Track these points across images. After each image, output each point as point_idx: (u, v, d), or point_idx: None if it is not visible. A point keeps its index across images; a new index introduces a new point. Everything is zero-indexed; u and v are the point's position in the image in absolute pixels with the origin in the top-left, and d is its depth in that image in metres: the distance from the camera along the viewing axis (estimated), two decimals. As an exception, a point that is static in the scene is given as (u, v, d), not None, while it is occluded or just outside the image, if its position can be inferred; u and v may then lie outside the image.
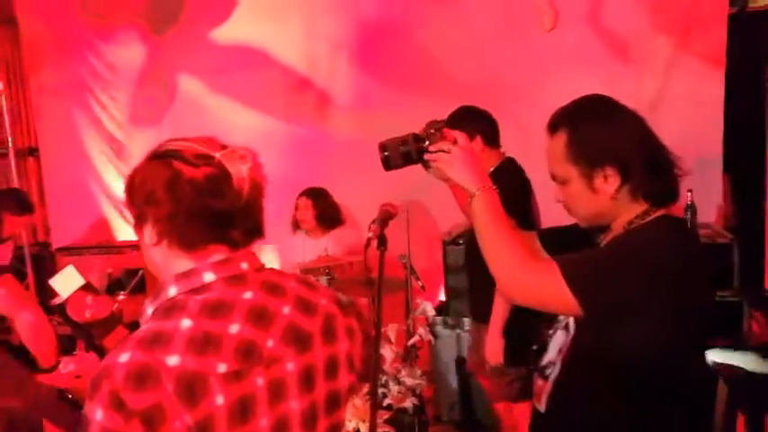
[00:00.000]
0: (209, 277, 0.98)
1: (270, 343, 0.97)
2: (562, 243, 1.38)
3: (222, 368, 0.91)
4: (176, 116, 4.30)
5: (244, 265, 1.01)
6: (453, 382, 3.23)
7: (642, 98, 3.17)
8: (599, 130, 1.26)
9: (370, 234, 1.38)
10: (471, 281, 2.67)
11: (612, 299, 1.16)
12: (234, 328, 0.95)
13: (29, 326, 2.08)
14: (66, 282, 1.98)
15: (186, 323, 0.93)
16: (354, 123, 4.00)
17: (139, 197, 0.99)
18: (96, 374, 0.89)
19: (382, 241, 1.38)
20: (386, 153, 1.36)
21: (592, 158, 1.24)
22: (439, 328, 3.20)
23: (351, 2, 3.96)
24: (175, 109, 4.31)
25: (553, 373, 1.32)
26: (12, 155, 4.86)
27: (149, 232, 0.99)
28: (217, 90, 4.19)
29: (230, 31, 4.13)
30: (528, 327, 1.62)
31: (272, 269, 1.08)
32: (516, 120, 3.43)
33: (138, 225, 1.01)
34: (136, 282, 3.85)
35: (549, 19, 3.54)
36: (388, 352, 2.97)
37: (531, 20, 3.57)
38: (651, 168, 1.23)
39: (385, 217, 1.44)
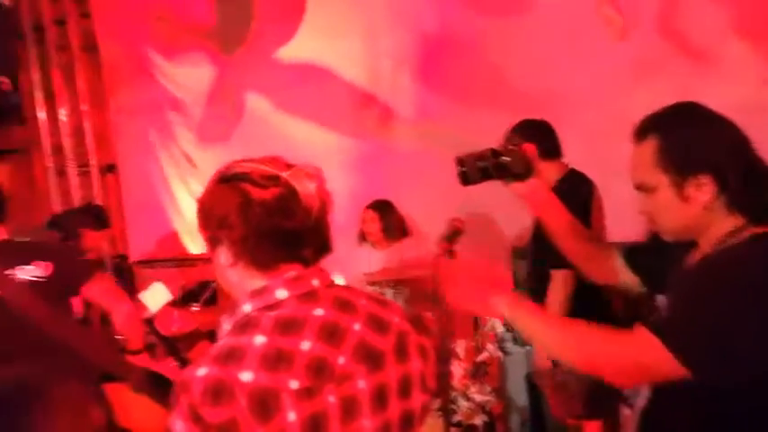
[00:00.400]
0: (281, 294, 1.00)
1: (341, 360, 0.98)
2: (649, 262, 1.33)
3: (294, 384, 0.92)
4: (244, 133, 4.43)
5: (315, 282, 1.03)
6: (524, 399, 3.17)
7: (727, 108, 3.01)
8: (693, 136, 1.19)
9: (439, 250, 1.39)
10: (534, 290, 2.63)
11: (723, 352, 1.07)
12: (305, 345, 0.96)
13: (126, 316, 2.20)
14: (155, 297, 2.09)
15: (260, 339, 0.94)
16: (418, 136, 4.02)
17: (212, 221, 1.01)
18: (176, 387, 0.92)
19: (451, 257, 1.38)
20: (463, 168, 1.36)
21: (684, 165, 1.17)
22: (508, 345, 3.15)
23: (413, 17, 3.98)
24: (243, 126, 4.45)
25: (640, 401, 1.27)
26: (94, 172, 5.17)
27: (224, 254, 1.02)
28: (282, 107, 4.30)
29: (295, 50, 4.23)
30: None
31: (342, 286, 1.09)
32: (583, 131, 3.36)
33: (212, 247, 1.04)
34: (208, 294, 3.99)
35: (617, 28, 3.45)
36: (456, 368, 2.97)
37: (598, 29, 3.49)
38: (750, 179, 1.15)
39: (453, 232, 1.44)
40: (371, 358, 1.01)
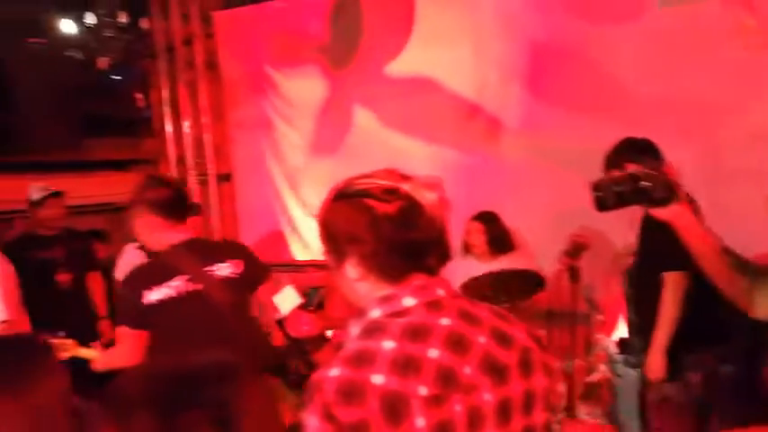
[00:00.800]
0: (408, 302, 1.02)
1: (467, 370, 0.98)
2: None
3: (423, 391, 0.93)
4: (351, 146, 4.55)
5: (440, 292, 1.04)
6: (635, 423, 3.00)
7: None
8: None
9: (562, 265, 1.36)
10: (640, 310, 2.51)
11: None
12: (433, 353, 0.97)
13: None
14: (286, 300, 2.20)
15: (389, 344, 0.97)
16: (525, 148, 3.95)
17: (339, 238, 1.05)
18: (310, 386, 0.96)
19: (574, 274, 1.34)
20: (599, 193, 1.32)
21: None
22: (620, 367, 3.01)
23: (522, 26, 3.94)
24: (351, 139, 4.57)
25: None
26: (211, 180, 5.52)
27: (352, 269, 1.05)
28: (389, 120, 4.38)
29: (403, 63, 4.30)
30: (695, 342, 1.51)
31: (465, 298, 1.09)
32: (709, 143, 3.17)
33: (337, 262, 1.07)
34: (317, 300, 4.12)
35: (754, 36, 3.21)
36: (563, 389, 2.88)
37: (728, 35, 3.27)
38: None
39: (577, 248, 1.41)
40: (496, 371, 1.01)
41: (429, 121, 4.21)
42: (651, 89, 3.48)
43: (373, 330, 1.00)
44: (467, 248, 3.63)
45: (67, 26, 4.09)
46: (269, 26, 4.84)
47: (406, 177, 1.04)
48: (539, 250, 3.70)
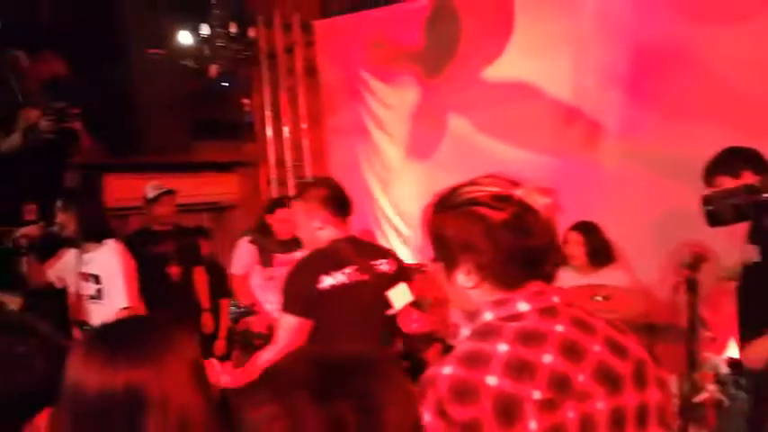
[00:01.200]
0: (523, 307, 1.02)
1: (581, 378, 0.97)
2: None
3: (537, 395, 0.94)
4: (445, 152, 4.58)
5: (555, 299, 1.04)
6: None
7: None
8: None
9: (679, 277, 1.31)
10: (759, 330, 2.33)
11: None
12: (547, 358, 0.97)
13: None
14: (399, 296, 2.28)
15: (503, 347, 0.97)
16: (625, 154, 3.82)
17: (453, 247, 1.04)
18: (424, 381, 0.98)
19: (693, 286, 1.30)
20: (710, 207, 1.26)
21: None
22: (731, 388, 2.82)
23: (625, 28, 3.82)
24: (445, 145, 4.60)
25: None
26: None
27: (465, 276, 1.04)
28: (484, 126, 4.37)
29: (500, 69, 4.28)
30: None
31: (580, 307, 1.08)
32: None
33: (449, 269, 1.07)
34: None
35: None
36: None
37: None
38: None
39: (697, 260, 1.36)
40: (610, 381, 1.00)
41: (526, 127, 4.16)
42: (764, 93, 3.27)
43: (487, 333, 1.01)
44: (563, 260, 3.53)
45: (184, 37, 4.41)
46: (366, 34, 4.97)
47: (515, 183, 1.05)
48: (638, 262, 3.56)
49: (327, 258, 2.28)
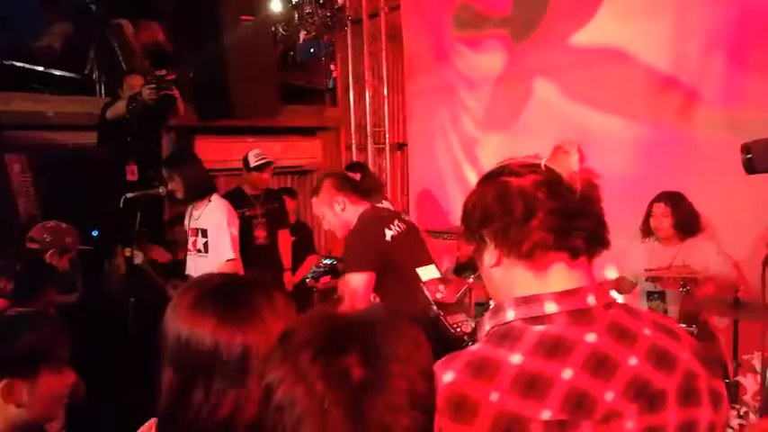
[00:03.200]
0: (551, 308, 0.91)
1: (609, 395, 0.86)
2: None
3: (546, 415, 0.84)
4: (530, 118, 4.49)
5: (590, 300, 0.92)
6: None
7: None
8: None
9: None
10: None
11: None
12: (567, 374, 0.86)
13: None
14: (426, 273, 2.60)
15: (516, 358, 0.88)
16: (724, 125, 3.61)
17: (474, 219, 0.97)
18: None
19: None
20: (749, 155, 1.23)
21: None
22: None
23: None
24: (529, 111, 4.51)
25: None
26: (387, 149, 5.80)
27: (489, 253, 0.96)
28: (572, 93, 4.24)
29: (591, 34, 4.12)
30: None
31: (624, 307, 0.96)
32: None
33: (479, 250, 0.99)
34: (483, 269, 4.20)
35: None
36: (750, 382, 2.70)
37: None
38: None
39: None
40: (647, 397, 0.89)
41: (617, 94, 4.00)
42: None
43: (504, 336, 0.91)
44: (648, 231, 3.45)
45: (275, 4, 4.51)
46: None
47: (561, 147, 0.96)
48: (733, 235, 3.42)
49: (377, 218, 2.66)
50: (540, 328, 0.90)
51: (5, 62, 4.50)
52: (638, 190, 3.59)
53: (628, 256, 3.51)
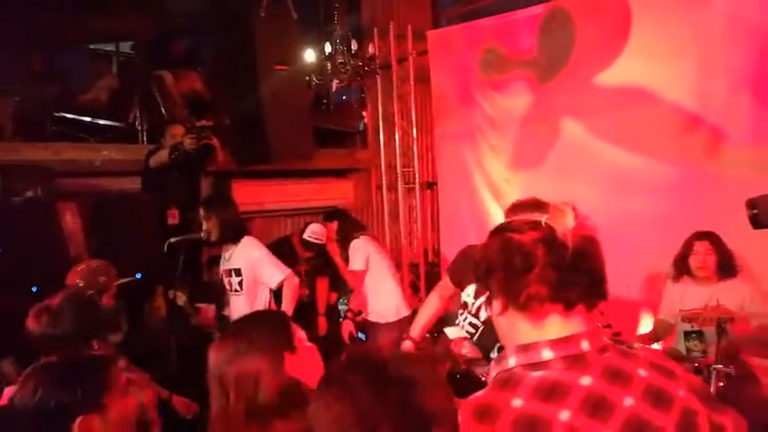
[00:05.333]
0: (547, 354, 0.97)
1: None
2: None
3: None
4: (558, 158, 4.56)
5: (584, 345, 0.98)
6: None
7: None
8: None
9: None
10: None
11: None
12: (564, 415, 0.91)
13: None
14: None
15: (516, 402, 0.94)
16: (751, 164, 3.62)
17: (482, 270, 1.04)
18: None
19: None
20: (754, 211, 1.26)
21: None
22: None
23: (757, 29, 3.63)
24: (557, 151, 4.57)
25: None
26: (417, 188, 5.91)
27: (496, 304, 1.03)
28: (599, 132, 4.30)
29: (616, 74, 4.20)
30: None
31: (620, 351, 1.01)
32: None
33: (489, 299, 1.06)
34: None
35: None
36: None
37: None
38: None
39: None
40: None
41: (643, 133, 4.05)
42: None
43: (506, 382, 0.98)
44: (684, 269, 3.38)
45: (308, 55, 4.73)
46: (479, 42, 5.03)
47: (557, 207, 1.04)
48: (761, 275, 3.40)
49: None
50: (538, 373, 0.96)
51: (57, 114, 4.78)
52: (667, 229, 3.61)
53: (664, 297, 3.48)
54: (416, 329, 2.73)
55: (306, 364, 1.38)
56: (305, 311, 4.22)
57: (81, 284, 2.71)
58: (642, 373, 0.97)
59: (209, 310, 3.63)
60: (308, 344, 1.47)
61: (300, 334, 1.46)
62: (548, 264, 0.97)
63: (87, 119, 4.91)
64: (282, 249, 4.19)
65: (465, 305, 2.60)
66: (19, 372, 1.50)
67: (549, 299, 0.98)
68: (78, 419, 1.32)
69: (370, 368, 0.83)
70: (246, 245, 3.45)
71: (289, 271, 3.43)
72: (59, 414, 1.31)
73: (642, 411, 0.93)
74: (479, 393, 1.00)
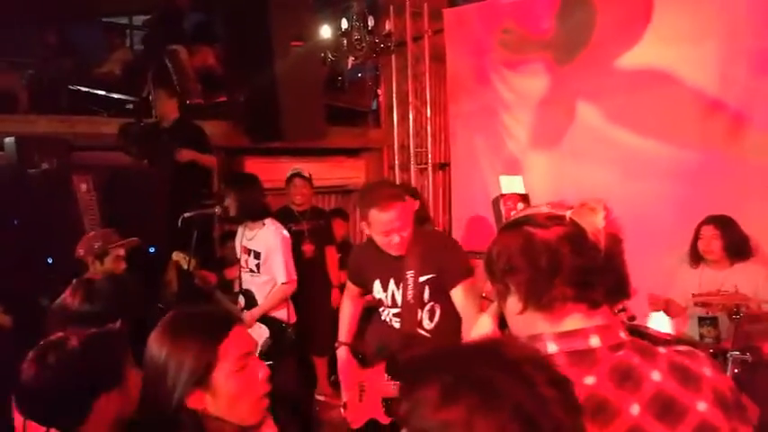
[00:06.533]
0: (551, 348, 0.92)
1: None
2: None
3: None
4: (573, 141, 4.51)
5: (594, 341, 0.92)
6: None
7: None
8: None
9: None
10: None
11: None
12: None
13: None
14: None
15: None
16: (774, 147, 3.58)
17: (499, 268, 0.98)
18: None
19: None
20: None
21: None
22: None
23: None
24: (572, 134, 4.52)
25: None
26: (430, 169, 5.87)
27: (513, 302, 0.97)
28: (615, 115, 4.25)
29: (636, 56, 4.13)
30: None
31: (639, 348, 0.94)
32: None
33: (503, 296, 1.00)
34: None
35: None
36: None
37: None
38: None
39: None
40: None
41: (661, 117, 3.99)
42: None
43: None
44: (697, 255, 3.38)
45: (324, 31, 4.68)
46: (496, 22, 4.96)
47: (587, 205, 0.97)
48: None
49: None
50: None
51: (71, 87, 4.78)
52: (686, 214, 3.57)
53: (678, 279, 3.47)
54: (343, 334, 2.72)
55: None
56: (316, 278, 4.25)
57: (81, 252, 2.79)
58: (656, 377, 0.90)
59: (211, 276, 3.67)
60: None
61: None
62: (575, 265, 0.91)
63: (102, 92, 4.90)
64: (282, 212, 4.29)
65: (381, 302, 2.58)
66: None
67: (572, 299, 0.93)
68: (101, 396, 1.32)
69: (498, 357, 0.72)
70: (271, 231, 3.44)
71: (293, 278, 3.43)
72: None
73: (644, 423, 0.86)
74: None
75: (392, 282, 2.49)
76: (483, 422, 0.66)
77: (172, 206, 3.77)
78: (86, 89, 4.87)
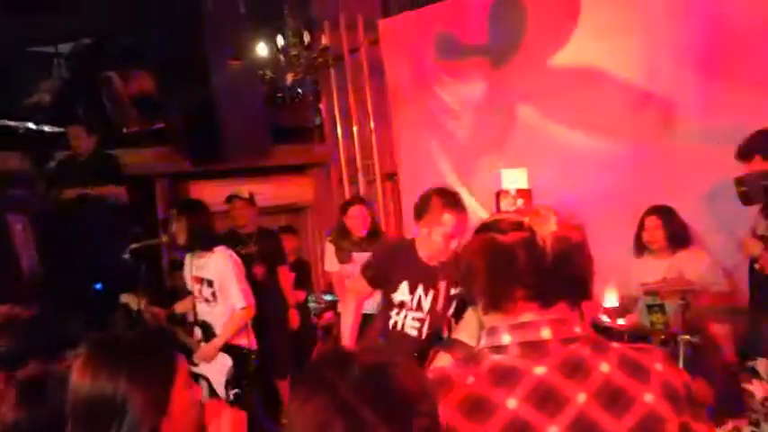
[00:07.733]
0: (506, 339, 0.97)
1: (552, 431, 0.89)
2: None
3: None
4: (515, 142, 4.59)
5: (545, 333, 0.96)
6: None
7: None
8: None
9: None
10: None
11: None
12: (511, 403, 0.91)
13: None
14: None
15: (470, 380, 0.94)
16: (702, 135, 3.73)
17: (461, 270, 1.05)
18: None
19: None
20: (743, 188, 1.31)
21: None
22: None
23: (703, 7, 3.73)
24: (514, 135, 4.60)
25: None
26: (378, 180, 5.87)
27: (478, 303, 1.03)
28: (553, 114, 4.36)
29: (568, 55, 4.25)
30: None
31: (592, 342, 0.98)
32: None
33: (469, 296, 1.06)
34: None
35: None
36: (757, 388, 2.74)
37: None
38: None
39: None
40: None
41: (597, 113, 4.12)
42: None
43: (470, 359, 0.99)
44: (641, 246, 3.48)
45: (262, 49, 4.63)
46: (429, 29, 5.02)
47: (538, 212, 1.02)
48: (717, 244, 3.50)
49: None
50: (497, 357, 0.96)
51: (-1, 122, 4.57)
52: (625, 206, 3.68)
53: (627, 272, 3.55)
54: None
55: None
56: (270, 300, 4.17)
57: None
58: (604, 368, 0.93)
59: (160, 312, 3.54)
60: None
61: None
62: (528, 267, 0.96)
63: (32, 125, 4.70)
64: (228, 235, 4.20)
65: (402, 304, 2.59)
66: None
67: (525, 299, 0.98)
68: None
69: (343, 361, 0.82)
70: (220, 256, 3.35)
71: (251, 302, 3.37)
72: None
73: (591, 411, 0.90)
74: (446, 365, 1.03)
75: (421, 287, 2.54)
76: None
77: (112, 242, 3.63)
78: (16, 123, 4.66)
